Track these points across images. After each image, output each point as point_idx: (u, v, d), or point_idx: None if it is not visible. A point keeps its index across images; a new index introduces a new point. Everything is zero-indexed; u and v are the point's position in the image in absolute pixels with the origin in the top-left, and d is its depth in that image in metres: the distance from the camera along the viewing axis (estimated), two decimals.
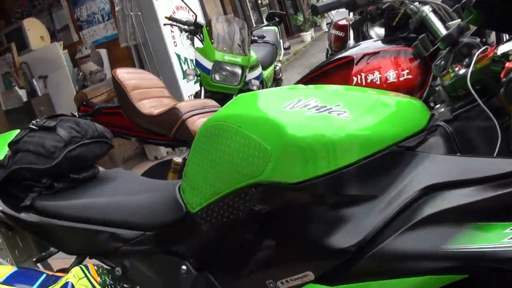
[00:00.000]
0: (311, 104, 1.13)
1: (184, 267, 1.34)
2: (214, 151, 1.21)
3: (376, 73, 2.25)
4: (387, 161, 1.08)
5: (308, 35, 13.52)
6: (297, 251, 1.14)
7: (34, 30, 6.29)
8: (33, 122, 1.65)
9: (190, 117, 2.53)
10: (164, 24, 4.59)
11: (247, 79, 3.85)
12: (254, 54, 4.21)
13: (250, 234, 1.21)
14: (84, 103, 3.50)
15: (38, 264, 3.07)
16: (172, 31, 5.94)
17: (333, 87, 1.34)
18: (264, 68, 4.65)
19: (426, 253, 0.97)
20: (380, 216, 1.04)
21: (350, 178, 1.07)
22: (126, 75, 2.91)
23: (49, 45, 6.18)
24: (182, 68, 5.96)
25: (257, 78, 4.14)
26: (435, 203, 1.01)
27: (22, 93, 5.77)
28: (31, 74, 5.92)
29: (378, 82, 2.24)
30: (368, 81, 2.27)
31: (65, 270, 1.63)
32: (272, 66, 5.18)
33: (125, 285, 1.61)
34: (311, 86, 1.34)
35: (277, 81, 5.47)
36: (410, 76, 2.23)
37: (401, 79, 2.23)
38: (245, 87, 3.87)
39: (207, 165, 1.22)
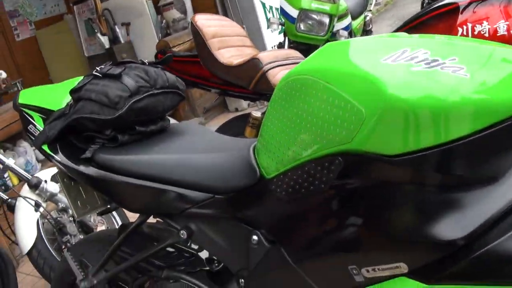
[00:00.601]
0: (419, 57, 0.90)
1: (255, 237, 1.19)
2: (295, 110, 1.01)
3: (485, 23, 1.97)
4: (510, 135, 0.85)
5: None
6: (389, 237, 0.94)
7: None
8: (97, 68, 1.51)
9: (271, 68, 2.35)
10: None
11: (334, 29, 3.59)
12: (344, 2, 3.93)
13: (333, 210, 1.02)
14: (162, 51, 3.39)
15: (115, 213, 3.08)
16: None
17: (440, 36, 1.10)
18: (353, 18, 4.35)
19: None
20: (497, 205, 0.84)
21: (462, 155, 0.86)
22: (206, 21, 2.76)
23: None
24: (266, 17, 5.74)
25: (345, 28, 3.88)
26: None
27: (105, 39, 5.72)
28: (114, 21, 5.88)
29: (486, 35, 1.96)
30: (475, 32, 1.99)
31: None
32: (362, 16, 4.85)
33: (193, 246, 1.50)
34: (415, 35, 1.11)
35: (366, 33, 5.15)
36: None
37: None
38: (332, 38, 3.60)
39: (286, 125, 1.04)
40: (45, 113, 1.62)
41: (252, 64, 2.42)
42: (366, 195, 0.95)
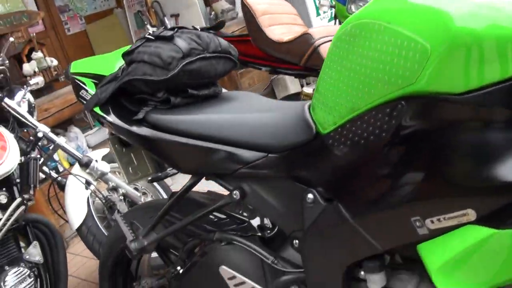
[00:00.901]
0: None
1: (310, 195, 1.15)
2: (354, 57, 0.97)
3: None
4: None
5: None
6: (455, 182, 0.89)
7: None
8: (149, 32, 1.50)
9: (323, 43, 2.31)
10: None
11: None
12: None
13: (395, 159, 0.96)
14: None
15: (161, 191, 3.09)
16: None
17: None
18: None
19: None
20: None
21: None
22: None
23: None
24: (315, 4, 5.67)
25: None
26: None
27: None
28: (163, 12, 5.92)
29: None
30: None
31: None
32: None
33: (244, 214, 1.48)
34: None
35: None
36: None
37: None
38: None
39: (344, 75, 1.00)
40: (98, 78, 1.62)
41: (303, 40, 2.38)
42: (430, 139, 0.90)
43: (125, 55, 1.50)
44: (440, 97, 0.84)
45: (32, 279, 2.27)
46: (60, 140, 2.75)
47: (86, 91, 1.63)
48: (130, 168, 1.65)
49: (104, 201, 2.80)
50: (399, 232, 1.00)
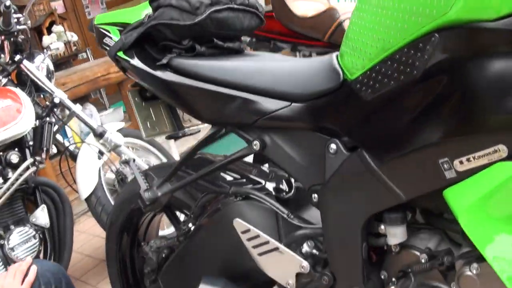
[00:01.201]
0: None
1: (333, 145, 1.11)
2: None
3: None
4: None
5: None
6: (486, 117, 0.85)
7: None
8: None
9: (348, 18, 2.26)
10: None
11: None
12: None
13: (423, 98, 0.91)
14: None
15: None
16: None
17: None
18: None
19: None
20: None
21: None
22: None
23: None
24: None
25: None
26: None
27: None
28: None
29: None
30: None
31: None
32: None
33: (260, 177, 1.44)
34: None
35: None
36: None
37: None
38: None
39: (375, 14, 0.95)
40: (123, 27, 1.59)
41: (328, 15, 2.35)
42: (461, 73, 0.85)
43: (152, 1, 1.47)
44: (472, 25, 0.80)
45: (36, 240, 2.27)
46: (76, 107, 2.72)
47: (110, 38, 1.59)
48: (148, 123, 1.62)
49: (116, 173, 2.78)
50: (425, 177, 0.96)
